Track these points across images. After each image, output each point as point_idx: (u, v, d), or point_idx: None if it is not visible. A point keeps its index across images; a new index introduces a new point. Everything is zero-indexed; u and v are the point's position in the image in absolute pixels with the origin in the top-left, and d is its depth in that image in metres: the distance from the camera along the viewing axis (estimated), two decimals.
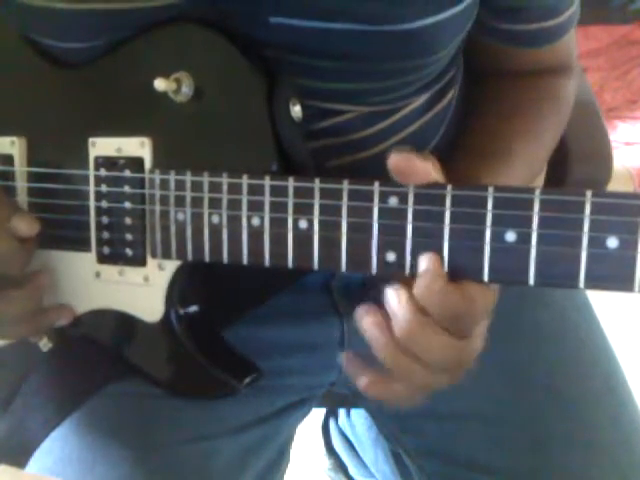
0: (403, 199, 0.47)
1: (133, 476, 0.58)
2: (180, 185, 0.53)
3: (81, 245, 0.59)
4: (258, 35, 0.54)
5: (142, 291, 0.58)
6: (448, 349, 0.47)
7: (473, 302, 0.46)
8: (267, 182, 0.50)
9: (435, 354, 0.47)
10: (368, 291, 0.70)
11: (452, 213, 0.46)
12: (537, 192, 0.44)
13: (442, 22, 0.55)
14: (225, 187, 0.52)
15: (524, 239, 0.44)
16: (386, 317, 0.48)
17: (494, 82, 0.70)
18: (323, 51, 0.55)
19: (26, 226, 0.57)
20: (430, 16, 0.54)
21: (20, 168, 0.60)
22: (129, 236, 0.57)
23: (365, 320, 0.49)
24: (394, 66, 0.58)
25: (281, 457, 0.69)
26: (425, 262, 0.46)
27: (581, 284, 0.44)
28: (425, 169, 0.46)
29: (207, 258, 0.53)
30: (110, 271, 0.58)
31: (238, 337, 0.62)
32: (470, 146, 0.65)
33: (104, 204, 0.57)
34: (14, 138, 0.60)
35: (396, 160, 0.46)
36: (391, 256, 0.48)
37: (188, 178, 0.53)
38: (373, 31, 0.54)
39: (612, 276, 0.43)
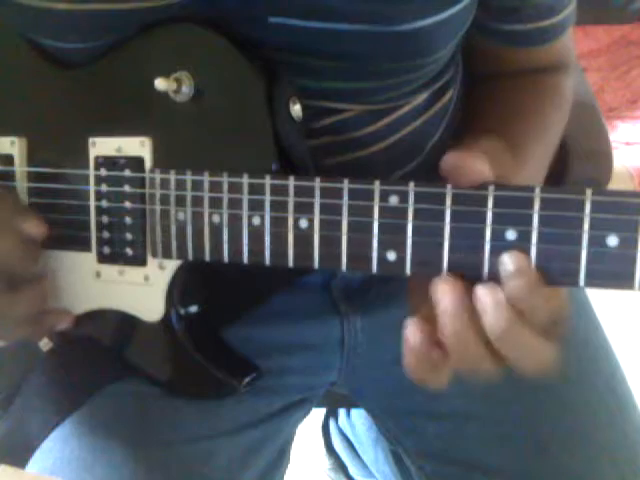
0: (403, 198, 0.47)
1: (133, 476, 0.58)
2: (180, 184, 0.53)
3: (81, 245, 0.59)
4: (257, 35, 0.54)
5: (142, 291, 0.58)
6: (539, 350, 0.45)
7: (566, 302, 0.45)
8: (267, 181, 0.50)
9: (523, 356, 0.45)
10: (369, 291, 0.70)
11: (452, 212, 0.46)
12: (537, 190, 0.44)
13: (441, 22, 0.55)
14: (225, 186, 0.52)
15: (524, 237, 0.44)
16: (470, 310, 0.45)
17: (495, 84, 0.70)
18: (322, 51, 0.55)
19: (34, 226, 0.57)
20: (429, 16, 0.54)
21: (20, 168, 0.60)
22: (129, 236, 0.57)
23: (450, 311, 0.45)
24: (393, 66, 0.58)
25: (281, 457, 0.69)
26: (515, 261, 0.44)
27: (581, 282, 0.44)
28: (481, 169, 0.45)
29: (208, 257, 0.53)
30: (110, 271, 0.58)
31: (238, 337, 0.62)
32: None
33: (104, 204, 0.57)
34: (14, 138, 0.60)
35: (452, 160, 0.45)
36: (392, 255, 0.48)
37: (188, 177, 0.53)
38: (373, 31, 0.54)
39: (612, 274, 0.43)
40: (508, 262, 0.44)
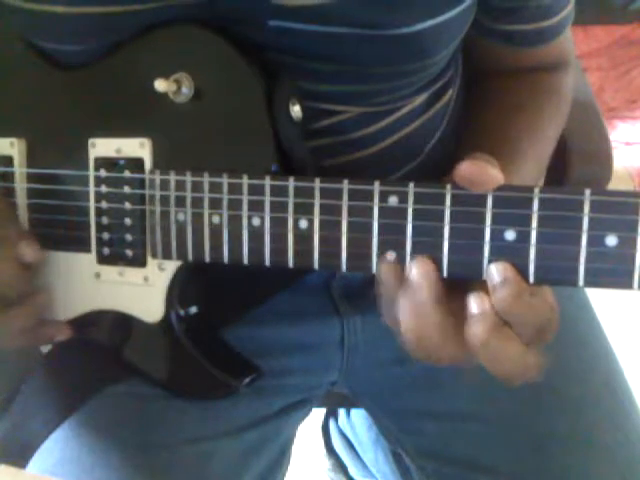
0: (403, 198, 0.47)
1: (133, 478, 0.58)
2: (180, 185, 0.54)
3: (81, 246, 0.59)
4: (257, 38, 0.54)
5: (142, 292, 0.58)
6: (520, 360, 0.45)
7: (554, 310, 0.44)
8: (267, 182, 0.50)
9: (506, 365, 0.45)
10: (369, 291, 0.70)
11: (452, 212, 0.46)
12: (536, 191, 0.44)
13: (441, 25, 0.55)
14: (225, 187, 0.52)
15: (523, 237, 0.44)
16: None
17: (493, 82, 0.70)
18: (322, 54, 0.55)
19: (31, 252, 0.57)
20: (429, 19, 0.54)
21: (19, 169, 0.60)
22: (129, 237, 0.57)
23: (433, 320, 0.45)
24: (393, 69, 0.58)
25: (282, 457, 0.69)
26: (501, 272, 0.44)
27: (580, 282, 0.44)
28: (497, 176, 0.44)
29: (207, 258, 0.53)
30: (110, 272, 0.58)
31: (238, 337, 0.62)
32: (477, 148, 0.65)
33: (104, 205, 0.57)
34: (13, 139, 0.60)
35: (470, 169, 0.44)
36: (391, 255, 0.48)
37: (188, 178, 0.53)
38: (372, 35, 0.54)
39: (611, 274, 0.43)
40: (494, 273, 0.44)
